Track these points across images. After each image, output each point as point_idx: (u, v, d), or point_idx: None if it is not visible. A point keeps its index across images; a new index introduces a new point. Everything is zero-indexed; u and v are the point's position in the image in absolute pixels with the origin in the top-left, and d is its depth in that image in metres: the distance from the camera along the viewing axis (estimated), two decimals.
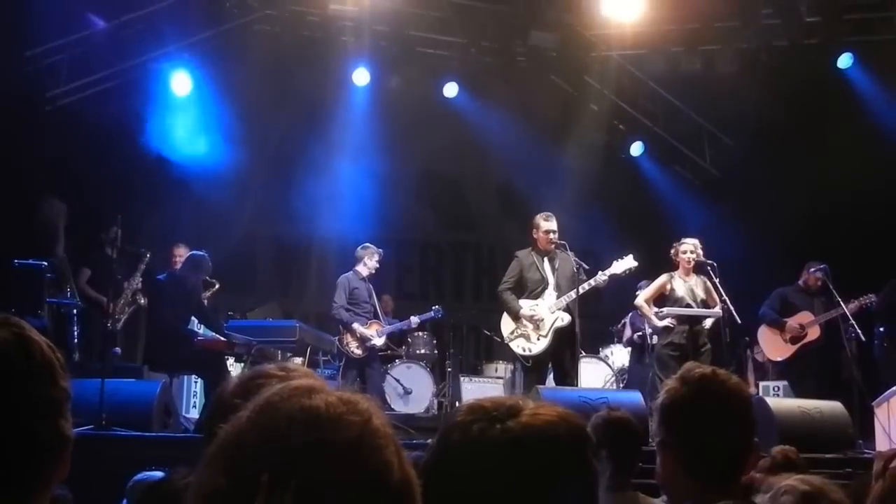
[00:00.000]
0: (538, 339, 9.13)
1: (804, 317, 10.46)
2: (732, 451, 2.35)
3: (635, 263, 9.42)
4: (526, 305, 9.18)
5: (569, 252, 9.25)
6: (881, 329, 10.28)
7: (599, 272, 9.29)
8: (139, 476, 3.89)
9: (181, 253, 10.41)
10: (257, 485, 1.15)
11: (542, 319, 9.11)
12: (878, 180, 11.35)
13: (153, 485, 3.20)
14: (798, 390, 9.92)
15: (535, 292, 9.23)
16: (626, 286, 10.36)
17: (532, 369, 9.32)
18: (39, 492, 1.43)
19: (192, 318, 9.55)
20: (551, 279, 9.21)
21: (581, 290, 9.07)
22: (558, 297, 9.13)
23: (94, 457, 6.71)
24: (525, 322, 9.13)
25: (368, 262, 10.69)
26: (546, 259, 9.28)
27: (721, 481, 2.31)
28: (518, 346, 9.23)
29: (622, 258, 9.42)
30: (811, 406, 8.21)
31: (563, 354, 9.20)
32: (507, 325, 9.33)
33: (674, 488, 2.43)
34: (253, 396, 1.96)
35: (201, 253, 9.40)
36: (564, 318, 9.10)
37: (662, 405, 2.45)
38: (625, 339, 12.24)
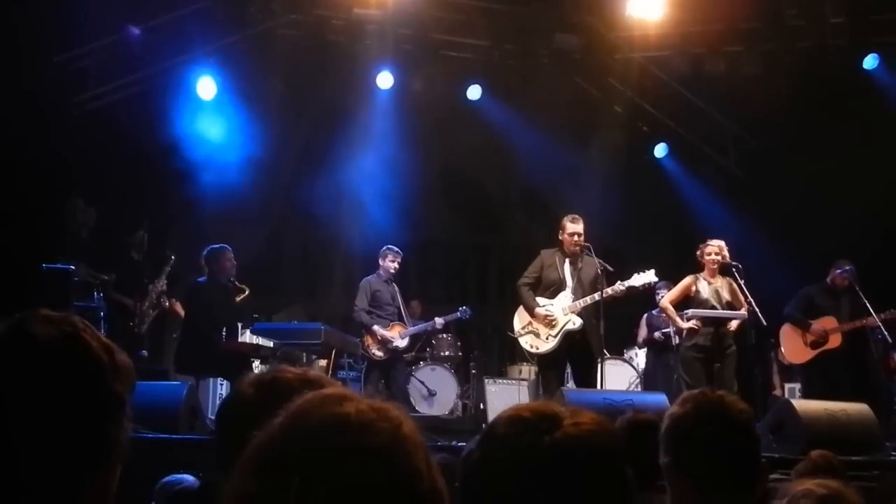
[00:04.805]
0: (547, 338, 9.11)
1: (829, 322, 10.34)
2: (737, 469, 2.39)
3: (655, 279, 9.35)
4: (540, 303, 9.20)
5: (594, 255, 9.23)
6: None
7: (619, 282, 9.17)
8: (167, 479, 3.91)
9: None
10: (288, 489, 1.17)
11: (556, 320, 9.12)
12: None
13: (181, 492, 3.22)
14: (823, 392, 9.84)
15: (550, 291, 9.22)
16: None
17: (548, 371, 9.35)
18: (84, 494, 1.40)
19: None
20: (569, 281, 9.17)
21: (598, 298, 9.04)
22: (574, 301, 9.11)
23: None
24: (539, 320, 9.14)
25: (384, 264, 10.67)
26: (568, 261, 9.25)
27: (731, 498, 2.35)
28: (526, 342, 9.24)
29: (644, 271, 9.26)
30: (838, 408, 8.08)
31: (577, 358, 9.20)
32: (520, 319, 9.34)
33: None
34: (267, 390, 2.03)
35: (213, 246, 9.43)
36: (576, 322, 9.05)
37: (665, 431, 2.51)
38: (640, 339, 12.19)
